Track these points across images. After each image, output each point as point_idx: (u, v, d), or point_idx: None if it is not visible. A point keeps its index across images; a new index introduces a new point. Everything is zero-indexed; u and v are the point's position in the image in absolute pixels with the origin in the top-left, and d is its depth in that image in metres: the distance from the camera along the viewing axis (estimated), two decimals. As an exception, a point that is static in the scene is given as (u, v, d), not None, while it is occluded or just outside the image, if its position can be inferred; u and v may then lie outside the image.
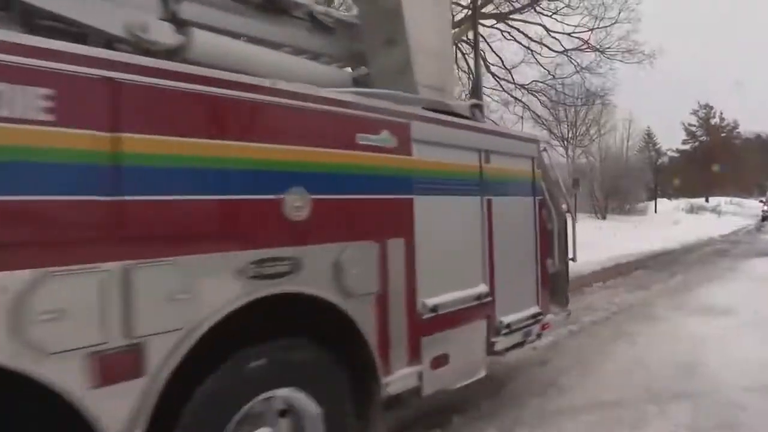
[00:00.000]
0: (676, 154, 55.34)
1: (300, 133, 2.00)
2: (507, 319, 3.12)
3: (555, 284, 3.82)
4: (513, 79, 14.38)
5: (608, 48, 14.27)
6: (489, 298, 2.95)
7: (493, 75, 14.24)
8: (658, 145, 47.53)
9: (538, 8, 13.08)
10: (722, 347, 4.70)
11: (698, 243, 15.37)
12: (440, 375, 2.59)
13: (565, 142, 29.62)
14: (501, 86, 14.52)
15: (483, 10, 12.68)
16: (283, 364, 1.94)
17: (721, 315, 6.02)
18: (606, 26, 13.88)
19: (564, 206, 3.90)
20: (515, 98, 14.93)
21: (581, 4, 13.39)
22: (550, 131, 20.02)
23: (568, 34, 13.89)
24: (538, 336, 3.55)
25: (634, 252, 11.88)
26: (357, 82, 3.26)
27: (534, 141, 3.66)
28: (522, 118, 15.84)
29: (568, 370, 4.29)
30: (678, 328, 5.56)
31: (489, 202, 2.99)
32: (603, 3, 13.52)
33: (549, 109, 16.64)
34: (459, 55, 13.72)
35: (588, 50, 14.27)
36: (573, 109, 24.08)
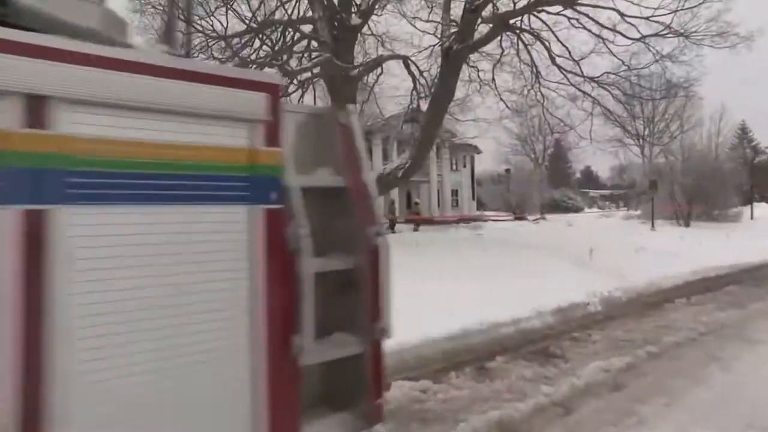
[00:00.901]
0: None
1: None
2: None
3: (343, 385, 1.94)
4: (581, 72, 13.27)
5: (694, 32, 12.61)
6: None
7: (559, 67, 13.23)
8: (755, 142, 42.66)
9: (611, -9, 11.90)
10: None
11: (807, 254, 13.35)
12: None
13: (641, 140, 27.39)
14: (568, 80, 13.46)
15: (549, -4, 11.77)
16: None
17: (843, 340, 5.04)
18: (692, 6, 12.19)
19: (375, 224, 1.89)
20: (584, 92, 13.76)
21: (663, -16, 11.99)
22: (624, 128, 18.37)
23: (647, 18, 12.47)
24: None
25: (724, 264, 10.51)
26: None
27: (260, 84, 1.70)
28: (592, 114, 14.64)
29: (648, 397, 3.72)
30: (785, 353, 4.68)
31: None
32: (689, -19, 11.99)
33: (623, 104, 15.17)
34: (521, 46, 12.97)
35: (670, 36, 12.77)
36: (650, 104, 22.12)
